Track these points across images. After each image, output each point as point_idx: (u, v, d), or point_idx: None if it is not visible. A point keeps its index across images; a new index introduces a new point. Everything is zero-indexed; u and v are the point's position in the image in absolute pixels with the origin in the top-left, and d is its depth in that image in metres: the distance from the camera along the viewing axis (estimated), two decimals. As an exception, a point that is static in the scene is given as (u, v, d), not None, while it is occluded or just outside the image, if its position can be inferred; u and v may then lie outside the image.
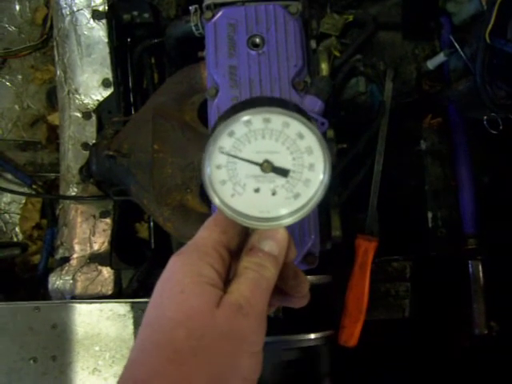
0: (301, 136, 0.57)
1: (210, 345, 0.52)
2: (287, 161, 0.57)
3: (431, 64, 1.24)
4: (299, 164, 0.57)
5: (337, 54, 1.25)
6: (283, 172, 0.57)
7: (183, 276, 0.54)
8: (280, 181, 0.57)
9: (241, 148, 0.56)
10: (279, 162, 0.57)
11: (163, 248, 1.32)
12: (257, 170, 0.56)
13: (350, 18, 1.31)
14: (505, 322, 1.28)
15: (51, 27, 1.49)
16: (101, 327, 1.17)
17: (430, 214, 1.29)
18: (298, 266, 0.93)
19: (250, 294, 0.54)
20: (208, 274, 0.55)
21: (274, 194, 0.57)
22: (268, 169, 0.56)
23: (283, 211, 0.57)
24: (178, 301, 0.53)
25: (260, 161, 0.56)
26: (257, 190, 0.57)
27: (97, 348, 1.16)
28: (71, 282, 1.26)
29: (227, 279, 0.57)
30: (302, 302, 0.64)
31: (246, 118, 0.55)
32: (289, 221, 0.58)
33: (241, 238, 0.59)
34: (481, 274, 1.25)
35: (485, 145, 1.28)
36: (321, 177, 0.57)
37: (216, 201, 0.57)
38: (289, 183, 0.57)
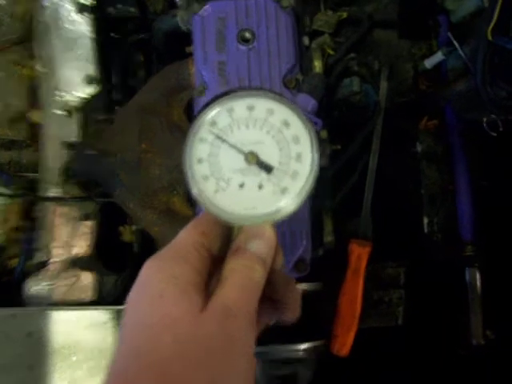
0: (286, 124, 0.53)
1: (198, 350, 0.47)
2: (273, 152, 0.53)
3: (429, 63, 1.21)
4: (286, 155, 0.53)
5: (330, 52, 1.21)
6: (267, 168, 0.52)
7: (161, 280, 0.50)
8: (266, 174, 0.53)
9: (224, 139, 0.51)
10: (265, 153, 0.52)
11: (147, 253, 1.26)
12: (241, 162, 0.52)
13: (344, 15, 1.28)
14: (501, 331, 1.24)
15: (33, 21, 1.43)
16: (79, 336, 1.11)
17: (426, 219, 1.25)
18: (288, 274, 0.89)
19: (237, 296, 0.50)
20: (189, 276, 0.50)
21: (260, 188, 0.52)
22: (253, 160, 0.52)
23: (270, 207, 0.53)
24: (157, 306, 0.49)
25: (245, 150, 0.51)
26: (242, 185, 0.52)
27: (74, 358, 1.10)
28: (49, 287, 1.19)
29: (209, 284, 0.53)
30: (294, 314, 0.59)
31: (228, 105, 0.51)
32: (275, 217, 0.53)
33: (223, 241, 0.55)
34: (478, 283, 1.20)
35: (483, 148, 1.24)
36: (308, 167, 0.53)
37: (199, 198, 0.52)
38: (275, 177, 0.53)
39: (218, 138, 0.51)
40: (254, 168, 0.52)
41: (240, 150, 0.51)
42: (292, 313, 0.59)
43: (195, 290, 0.50)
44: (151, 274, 0.51)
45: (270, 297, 0.56)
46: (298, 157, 0.52)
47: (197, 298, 0.49)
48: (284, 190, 0.52)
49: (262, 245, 0.53)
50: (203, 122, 0.51)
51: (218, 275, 0.52)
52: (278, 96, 0.52)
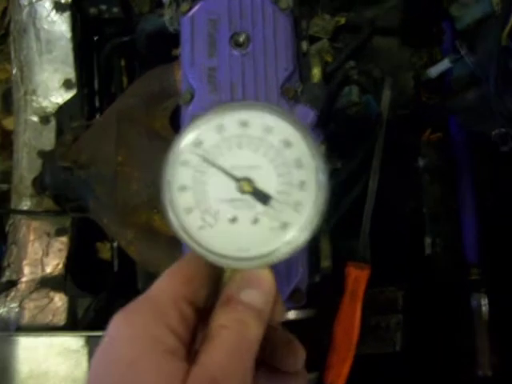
0: (287, 144, 0.43)
1: None
2: (270, 179, 0.43)
3: (434, 71, 1.13)
4: (286, 182, 0.43)
5: (329, 59, 1.13)
6: (263, 198, 0.43)
7: (133, 343, 0.40)
8: (262, 206, 0.43)
9: (211, 161, 0.42)
10: (260, 180, 0.43)
11: (127, 272, 1.17)
12: (232, 190, 0.42)
13: (342, 20, 1.20)
14: (507, 358, 1.16)
15: (10, 22, 1.34)
16: (49, 365, 1.01)
17: (428, 240, 1.17)
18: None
19: (227, 362, 0.40)
20: (166, 339, 0.40)
21: (254, 223, 0.43)
22: (248, 188, 0.42)
23: (267, 247, 0.43)
24: (127, 378, 0.39)
25: (238, 176, 0.42)
26: (233, 220, 0.43)
27: (44, 389, 1.01)
28: (17, 309, 1.09)
29: (192, 346, 0.43)
30: (297, 382, 0.50)
31: (216, 120, 0.42)
32: (274, 258, 0.44)
33: (210, 290, 0.45)
34: (485, 309, 1.13)
35: (490, 163, 1.17)
36: (314, 197, 0.43)
37: (181, 235, 0.43)
38: (273, 209, 0.43)
39: (205, 160, 0.42)
40: (248, 198, 0.42)
41: (232, 176, 0.42)
42: (293, 381, 0.49)
43: (174, 358, 0.40)
44: (122, 334, 0.41)
45: (266, 361, 0.47)
46: (302, 184, 0.43)
47: (177, 368, 0.39)
48: (284, 225, 0.43)
49: (258, 294, 0.43)
50: (186, 141, 0.42)
51: (205, 330, 0.43)
52: (277, 109, 0.42)
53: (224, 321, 0.42)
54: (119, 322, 0.42)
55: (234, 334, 0.41)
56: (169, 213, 0.43)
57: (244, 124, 0.43)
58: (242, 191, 0.42)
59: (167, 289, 0.43)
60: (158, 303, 0.42)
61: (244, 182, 0.42)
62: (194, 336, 0.43)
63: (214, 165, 0.42)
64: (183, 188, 0.43)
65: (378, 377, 1.20)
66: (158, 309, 0.42)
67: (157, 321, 0.41)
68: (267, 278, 0.44)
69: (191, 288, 0.44)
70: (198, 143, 0.42)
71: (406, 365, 1.20)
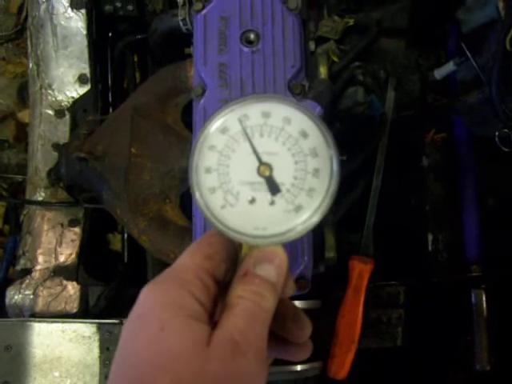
0: (304, 135, 0.47)
1: None
2: (288, 165, 0.47)
3: (438, 74, 1.15)
4: (302, 169, 0.47)
5: (335, 59, 1.16)
6: (274, 188, 0.47)
7: (161, 310, 0.44)
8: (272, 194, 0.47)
9: (235, 147, 0.46)
10: (279, 166, 0.47)
11: (137, 263, 1.20)
12: (253, 174, 0.46)
13: (351, 21, 1.22)
14: (504, 355, 1.18)
15: (27, 17, 1.37)
16: (62, 350, 1.04)
17: (430, 237, 1.19)
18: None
19: (246, 327, 0.44)
20: (191, 306, 0.44)
21: (271, 205, 0.47)
22: (266, 172, 0.46)
23: (282, 227, 0.47)
24: (157, 341, 0.42)
25: (261, 160, 0.46)
26: (252, 201, 0.46)
27: (56, 374, 1.03)
28: (31, 297, 1.12)
29: (213, 314, 0.47)
30: (303, 353, 0.53)
31: (241, 110, 0.45)
32: (288, 237, 0.47)
33: (229, 265, 0.49)
34: (484, 305, 1.15)
35: (492, 163, 1.19)
36: (326, 184, 0.47)
37: (205, 213, 0.46)
38: (289, 193, 0.47)
39: (244, 135, 0.46)
40: (264, 183, 0.46)
41: (258, 158, 0.46)
42: (299, 352, 0.53)
43: (198, 322, 0.44)
44: (152, 302, 0.45)
45: (276, 332, 0.50)
46: (316, 172, 0.47)
47: (202, 331, 0.43)
48: (298, 209, 0.47)
49: (273, 269, 0.47)
50: (213, 127, 0.46)
51: (224, 302, 0.46)
52: (296, 103, 0.46)
53: (242, 292, 0.46)
54: (148, 292, 0.45)
55: (251, 303, 0.45)
56: (195, 192, 0.46)
57: (266, 115, 0.46)
58: (261, 175, 0.46)
59: (190, 262, 0.47)
60: (182, 274, 0.46)
61: (263, 167, 0.46)
62: (215, 304, 0.47)
63: (249, 140, 0.46)
64: (209, 170, 0.46)
65: (379, 371, 1.22)
66: (183, 279, 0.46)
67: (181, 289, 0.45)
68: (281, 254, 0.48)
69: (212, 262, 0.47)
70: (224, 130, 0.46)
71: (407, 359, 1.22)
